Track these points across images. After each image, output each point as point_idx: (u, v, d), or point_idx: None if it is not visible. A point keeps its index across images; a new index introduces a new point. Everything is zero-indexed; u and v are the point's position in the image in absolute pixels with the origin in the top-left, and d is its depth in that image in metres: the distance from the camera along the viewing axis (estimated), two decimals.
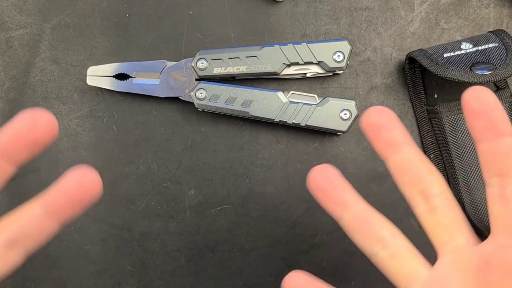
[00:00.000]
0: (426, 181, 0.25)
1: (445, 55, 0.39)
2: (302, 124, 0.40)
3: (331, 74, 0.42)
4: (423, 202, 0.26)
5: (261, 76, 0.42)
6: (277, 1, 0.43)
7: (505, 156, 0.23)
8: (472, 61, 0.38)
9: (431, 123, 0.42)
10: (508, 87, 0.41)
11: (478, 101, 0.23)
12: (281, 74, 0.41)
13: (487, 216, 0.40)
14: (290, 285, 0.26)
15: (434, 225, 0.26)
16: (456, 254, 0.25)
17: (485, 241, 0.25)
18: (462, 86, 0.42)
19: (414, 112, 0.43)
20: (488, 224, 0.40)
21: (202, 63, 0.41)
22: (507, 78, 0.37)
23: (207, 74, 0.41)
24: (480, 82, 0.37)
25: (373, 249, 0.26)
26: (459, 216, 0.26)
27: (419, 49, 0.41)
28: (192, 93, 0.41)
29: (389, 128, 0.25)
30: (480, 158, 0.24)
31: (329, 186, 0.26)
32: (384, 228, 0.26)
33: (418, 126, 0.43)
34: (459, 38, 0.43)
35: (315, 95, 0.41)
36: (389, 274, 0.26)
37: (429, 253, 0.44)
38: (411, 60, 0.42)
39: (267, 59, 0.40)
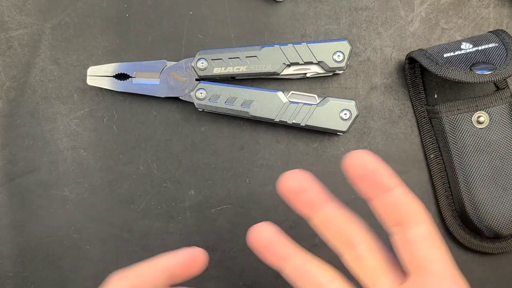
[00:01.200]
0: (348, 232, 0.27)
1: (445, 55, 0.39)
2: (302, 124, 0.40)
3: (331, 74, 0.42)
4: (348, 250, 0.27)
5: (261, 76, 0.42)
6: (277, 1, 0.43)
7: (397, 207, 0.25)
8: (472, 61, 0.38)
9: (431, 123, 0.42)
10: (508, 87, 0.41)
11: (361, 165, 0.25)
12: (281, 74, 0.41)
13: (487, 216, 0.40)
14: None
15: (360, 271, 0.27)
16: None
17: (405, 283, 0.26)
18: (462, 86, 0.42)
19: (414, 112, 0.43)
20: (489, 225, 0.40)
21: (202, 63, 0.41)
22: (507, 78, 0.37)
23: (207, 74, 0.41)
24: (480, 82, 0.37)
25: None
26: (384, 259, 0.27)
27: (419, 49, 0.41)
28: (192, 93, 0.41)
29: (306, 190, 0.27)
30: (376, 213, 0.26)
31: (269, 243, 0.28)
32: (322, 274, 0.28)
33: (418, 126, 0.43)
34: (459, 38, 0.43)
35: (315, 95, 0.41)
36: None
37: None
38: (411, 60, 0.42)
39: (267, 59, 0.40)
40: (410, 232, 0.25)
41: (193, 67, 0.41)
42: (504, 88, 0.41)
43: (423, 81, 0.43)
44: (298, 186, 0.27)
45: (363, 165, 0.25)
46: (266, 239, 0.28)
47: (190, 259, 0.29)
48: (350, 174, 0.26)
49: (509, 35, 0.39)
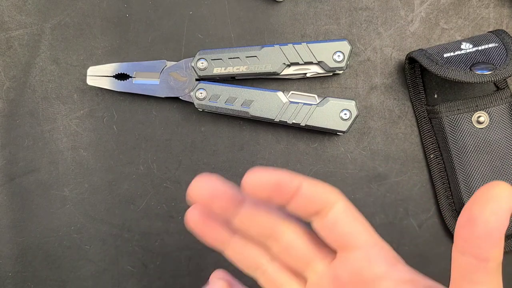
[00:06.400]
0: (270, 228, 0.27)
1: (445, 55, 0.39)
2: (302, 124, 0.40)
3: (331, 74, 0.42)
4: (274, 243, 0.28)
5: (261, 76, 0.42)
6: (277, 1, 0.43)
7: (310, 201, 0.25)
8: (472, 61, 0.38)
9: (431, 123, 0.42)
10: (508, 87, 0.41)
11: (260, 186, 0.24)
12: (281, 74, 0.41)
13: None
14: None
15: (291, 259, 0.28)
16: (316, 276, 0.28)
17: (334, 260, 0.27)
18: (462, 86, 0.42)
19: (414, 112, 0.43)
20: None
21: (202, 63, 0.41)
22: (507, 78, 0.37)
23: (207, 74, 0.41)
24: (480, 82, 0.37)
25: (255, 275, 0.29)
26: (310, 243, 0.28)
27: (419, 49, 0.41)
28: (192, 93, 0.41)
29: (218, 196, 0.26)
30: (293, 213, 0.26)
31: (206, 227, 0.28)
32: (261, 255, 0.29)
33: (418, 126, 0.43)
34: (459, 38, 0.43)
35: (315, 95, 0.41)
36: None
37: (428, 252, 0.44)
38: (411, 60, 0.41)
39: (267, 59, 0.40)
40: (328, 216, 0.25)
41: (193, 67, 0.41)
42: (504, 88, 0.41)
43: (423, 81, 0.43)
44: (210, 194, 0.26)
45: (261, 184, 0.24)
46: (204, 224, 0.28)
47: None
48: (256, 198, 0.24)
49: (509, 35, 0.39)
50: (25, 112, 0.43)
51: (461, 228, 0.22)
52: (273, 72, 0.41)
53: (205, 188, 0.26)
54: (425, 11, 0.43)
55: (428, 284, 0.25)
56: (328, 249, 0.28)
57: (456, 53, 0.39)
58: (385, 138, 0.43)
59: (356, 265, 0.26)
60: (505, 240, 0.42)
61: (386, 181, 0.43)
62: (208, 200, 0.26)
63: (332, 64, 0.40)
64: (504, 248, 0.42)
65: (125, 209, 0.43)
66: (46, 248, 0.43)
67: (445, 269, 0.43)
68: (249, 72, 0.41)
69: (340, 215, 0.26)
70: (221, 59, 0.41)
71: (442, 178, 0.42)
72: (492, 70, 0.37)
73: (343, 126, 0.40)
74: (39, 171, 0.43)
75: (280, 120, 0.41)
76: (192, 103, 0.41)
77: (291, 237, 0.27)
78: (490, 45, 0.39)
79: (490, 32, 0.41)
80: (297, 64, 0.41)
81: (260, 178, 0.24)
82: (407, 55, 0.41)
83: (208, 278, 0.42)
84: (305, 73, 0.41)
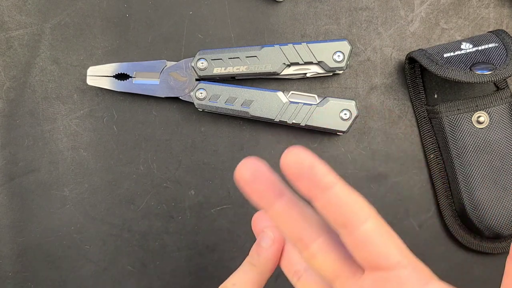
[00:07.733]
0: (300, 231, 0.26)
1: (445, 55, 0.39)
2: (302, 124, 0.40)
3: (331, 74, 0.42)
4: (302, 249, 0.26)
5: (261, 76, 0.42)
6: (277, 1, 0.43)
7: (339, 207, 0.24)
8: (472, 61, 0.38)
9: (431, 123, 0.42)
10: (508, 87, 0.41)
11: (296, 163, 0.23)
12: (281, 74, 0.41)
13: (487, 216, 0.40)
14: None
15: (318, 268, 0.26)
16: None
17: (363, 277, 0.25)
18: (462, 86, 0.42)
19: (414, 112, 0.43)
20: (489, 225, 0.40)
21: (202, 63, 0.41)
22: (507, 78, 0.37)
23: (207, 74, 0.41)
24: (480, 82, 0.37)
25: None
26: (338, 257, 0.26)
27: (419, 49, 0.41)
28: (192, 93, 0.41)
29: (259, 181, 0.25)
30: (321, 215, 0.25)
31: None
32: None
33: (418, 126, 0.43)
34: (459, 38, 0.43)
35: (315, 95, 0.41)
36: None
37: (428, 252, 0.44)
38: (411, 60, 0.42)
39: (267, 59, 0.40)
40: (358, 231, 0.24)
41: (193, 67, 0.41)
42: (504, 88, 0.41)
43: (423, 81, 0.43)
44: (252, 176, 0.25)
45: (298, 163, 0.23)
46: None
47: None
48: (286, 173, 0.23)
49: (509, 35, 0.39)
50: (25, 112, 0.43)
51: None
52: (273, 72, 0.41)
53: (250, 169, 0.25)
54: (425, 11, 0.43)
55: None
56: (356, 265, 0.26)
57: (456, 53, 0.39)
58: (385, 138, 0.43)
59: (386, 286, 0.24)
60: (505, 240, 0.42)
61: (386, 181, 0.43)
62: (250, 181, 0.25)
63: (332, 64, 0.40)
64: (504, 248, 0.42)
65: (125, 209, 0.43)
66: (46, 248, 0.43)
67: (445, 269, 0.43)
68: (249, 72, 0.41)
69: (371, 232, 0.24)
70: (221, 59, 0.41)
71: (442, 178, 0.42)
72: (492, 70, 0.37)
73: (343, 126, 0.40)
74: (39, 171, 0.43)
75: (280, 120, 0.41)
76: (192, 103, 0.41)
77: (318, 247, 0.26)
78: (490, 45, 0.39)
79: (490, 32, 0.41)
80: (297, 64, 0.41)
81: (299, 154, 0.23)
82: (407, 55, 0.41)
83: (209, 277, 0.43)
84: (305, 73, 0.41)
